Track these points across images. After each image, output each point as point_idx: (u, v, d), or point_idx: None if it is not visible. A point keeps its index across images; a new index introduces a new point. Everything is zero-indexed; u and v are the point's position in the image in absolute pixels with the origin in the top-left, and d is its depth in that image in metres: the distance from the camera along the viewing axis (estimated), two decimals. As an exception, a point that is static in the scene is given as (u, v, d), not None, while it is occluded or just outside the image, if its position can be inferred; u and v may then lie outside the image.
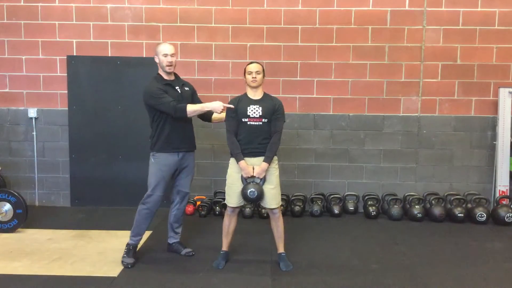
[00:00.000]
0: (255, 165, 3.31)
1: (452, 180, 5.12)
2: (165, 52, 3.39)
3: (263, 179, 3.31)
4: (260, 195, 3.27)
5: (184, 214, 3.82)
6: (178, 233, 3.77)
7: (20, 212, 4.18)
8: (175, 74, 3.59)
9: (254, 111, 3.30)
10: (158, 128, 3.45)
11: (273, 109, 3.33)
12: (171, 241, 3.77)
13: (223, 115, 3.50)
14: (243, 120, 3.30)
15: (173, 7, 4.97)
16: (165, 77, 3.49)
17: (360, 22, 4.95)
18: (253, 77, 3.29)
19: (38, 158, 5.18)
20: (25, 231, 4.22)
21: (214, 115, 3.61)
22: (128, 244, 3.53)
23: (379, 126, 5.09)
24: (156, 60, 3.46)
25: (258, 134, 3.30)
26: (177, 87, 3.50)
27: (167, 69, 3.43)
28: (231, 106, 3.32)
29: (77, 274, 3.26)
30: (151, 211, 3.51)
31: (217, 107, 3.37)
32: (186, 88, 3.58)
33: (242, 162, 3.28)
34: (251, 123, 3.29)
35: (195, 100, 3.65)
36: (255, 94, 3.36)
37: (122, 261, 3.44)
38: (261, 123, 3.30)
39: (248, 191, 3.24)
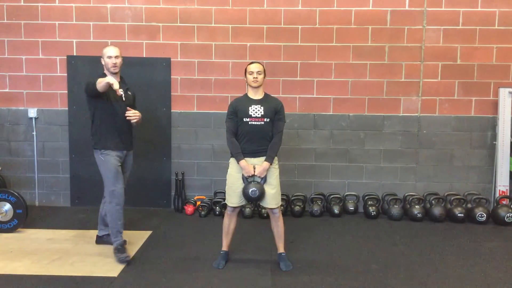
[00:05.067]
0: (256, 164, 3.31)
1: (452, 180, 5.12)
2: (109, 54, 3.50)
3: (264, 178, 3.31)
4: (262, 194, 3.28)
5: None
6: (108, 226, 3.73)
7: (20, 212, 4.18)
8: (121, 78, 3.66)
9: (256, 110, 3.30)
10: (103, 126, 3.51)
11: (274, 110, 3.34)
12: (101, 233, 3.83)
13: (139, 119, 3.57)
14: (244, 119, 3.30)
15: (173, 7, 4.97)
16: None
17: (360, 22, 4.95)
18: (254, 77, 3.29)
19: (38, 158, 5.18)
20: (25, 231, 4.22)
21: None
22: (114, 248, 3.51)
23: (379, 126, 5.09)
24: (102, 62, 3.55)
25: (260, 133, 3.31)
26: (119, 90, 3.51)
27: (112, 70, 3.52)
28: (117, 89, 3.33)
29: (77, 274, 3.26)
30: (121, 205, 3.51)
31: (114, 85, 3.30)
32: (129, 93, 3.68)
33: (242, 162, 3.29)
34: (253, 122, 3.29)
35: (135, 106, 3.71)
36: (256, 94, 3.36)
37: (119, 259, 3.42)
38: (262, 122, 3.30)
39: (250, 190, 3.24)
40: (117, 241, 3.51)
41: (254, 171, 3.29)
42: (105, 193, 3.55)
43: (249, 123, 3.29)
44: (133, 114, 3.50)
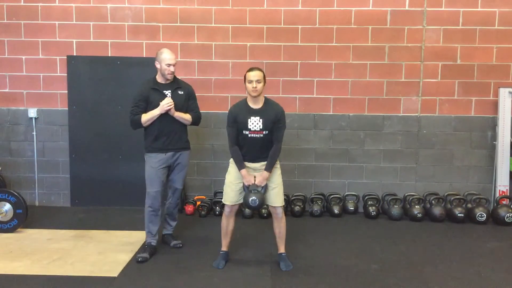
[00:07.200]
0: (256, 168, 3.34)
1: (452, 180, 5.12)
2: (169, 63, 3.55)
3: (265, 187, 3.34)
4: (262, 203, 3.31)
5: (177, 209, 3.95)
6: (171, 226, 3.94)
7: (20, 212, 4.18)
8: (174, 77, 3.68)
9: (255, 124, 3.28)
10: (147, 129, 3.65)
11: (274, 119, 3.30)
12: (164, 232, 3.94)
13: (185, 115, 3.66)
14: (244, 132, 3.30)
15: (173, 7, 4.97)
16: (160, 80, 3.63)
17: (360, 22, 4.95)
18: (253, 87, 3.22)
19: (38, 158, 5.17)
20: (25, 231, 4.22)
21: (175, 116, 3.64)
22: (144, 242, 3.69)
23: (379, 126, 5.09)
24: (157, 65, 3.59)
25: (259, 144, 3.33)
26: (167, 91, 3.60)
27: (168, 77, 3.59)
28: (170, 101, 3.51)
29: (77, 274, 3.26)
30: (154, 208, 3.62)
31: (163, 107, 3.50)
32: (180, 92, 3.67)
33: (243, 171, 3.31)
34: (252, 135, 3.30)
35: (190, 105, 3.74)
36: (256, 103, 3.31)
37: (136, 257, 3.53)
38: (262, 135, 3.30)
39: (250, 199, 3.27)
40: (146, 240, 3.67)
41: (255, 180, 3.31)
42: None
43: (249, 136, 3.30)
44: (166, 103, 3.51)
